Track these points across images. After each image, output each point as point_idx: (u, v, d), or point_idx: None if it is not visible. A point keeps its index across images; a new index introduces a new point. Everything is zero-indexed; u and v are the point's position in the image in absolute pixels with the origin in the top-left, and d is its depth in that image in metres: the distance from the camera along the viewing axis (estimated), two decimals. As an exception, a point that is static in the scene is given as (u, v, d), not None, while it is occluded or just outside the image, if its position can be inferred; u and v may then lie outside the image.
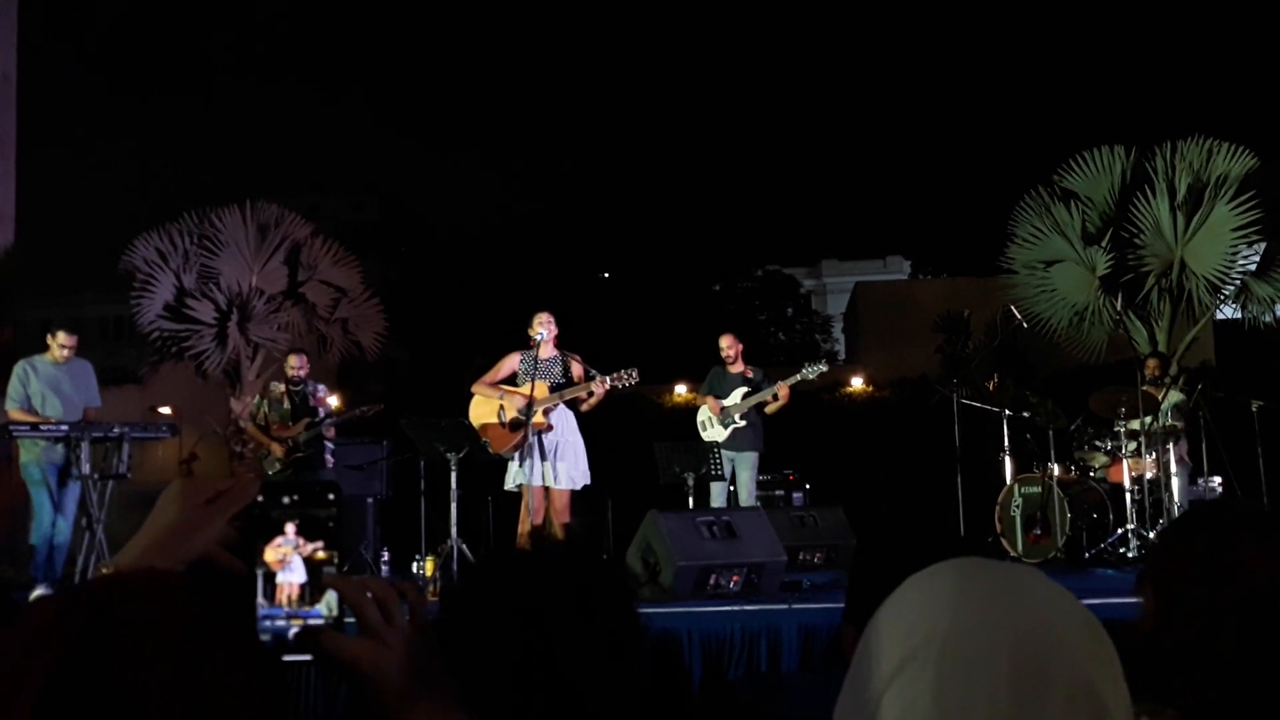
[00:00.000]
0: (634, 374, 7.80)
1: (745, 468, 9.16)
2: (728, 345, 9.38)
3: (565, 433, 7.89)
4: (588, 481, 8.02)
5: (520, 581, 1.77)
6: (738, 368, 9.37)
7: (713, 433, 9.25)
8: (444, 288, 31.95)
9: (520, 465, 7.71)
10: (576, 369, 7.99)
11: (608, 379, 7.73)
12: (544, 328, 7.94)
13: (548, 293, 23.38)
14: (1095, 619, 1.00)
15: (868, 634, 1.01)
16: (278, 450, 8.80)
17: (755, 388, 9.21)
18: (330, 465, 9.31)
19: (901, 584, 1.04)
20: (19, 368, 7.78)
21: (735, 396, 9.25)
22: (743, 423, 9.15)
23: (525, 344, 8.04)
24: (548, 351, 7.99)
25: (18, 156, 16.19)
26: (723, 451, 8.90)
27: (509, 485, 7.97)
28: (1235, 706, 1.50)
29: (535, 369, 7.83)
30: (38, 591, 7.16)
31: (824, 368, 9.31)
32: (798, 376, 9.12)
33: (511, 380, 8.04)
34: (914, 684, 0.93)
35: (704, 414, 9.42)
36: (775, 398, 9.10)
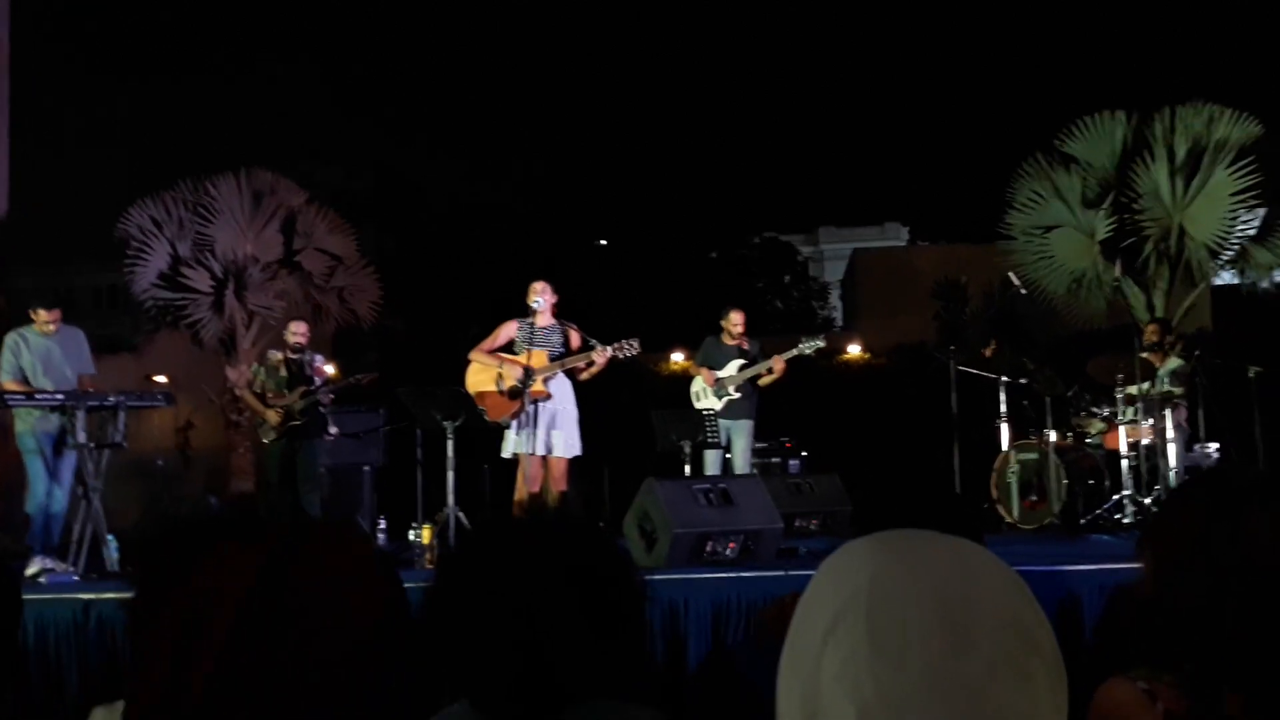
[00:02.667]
0: (635, 344, 7.79)
1: (740, 435, 9.17)
2: (739, 321, 9.35)
3: (563, 401, 7.88)
4: (579, 452, 8.02)
5: (516, 548, 1.77)
6: (735, 341, 9.35)
7: (706, 403, 9.26)
8: (440, 256, 31.85)
9: (518, 434, 7.70)
10: (574, 338, 7.98)
11: (608, 348, 7.72)
12: (540, 296, 7.92)
13: (544, 260, 23.35)
14: (1007, 566, 1.01)
15: (798, 609, 1.02)
16: (273, 418, 8.79)
17: (751, 360, 9.20)
18: (333, 433, 9.31)
19: (818, 568, 1.05)
20: (10, 339, 7.75)
21: (731, 368, 9.25)
22: (737, 395, 9.15)
23: (523, 312, 8.02)
24: (545, 320, 7.97)
25: (10, 124, 16.10)
26: (718, 420, 8.91)
27: (506, 453, 7.97)
28: (1234, 672, 1.49)
29: (533, 337, 7.81)
30: (35, 560, 7.16)
31: (821, 343, 9.30)
32: (794, 351, 9.11)
33: (509, 348, 8.03)
34: (849, 636, 0.94)
35: (698, 384, 9.42)
36: (770, 371, 9.10)
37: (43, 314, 7.77)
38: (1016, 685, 0.92)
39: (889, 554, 0.99)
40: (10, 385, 7.55)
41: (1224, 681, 1.50)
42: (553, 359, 7.84)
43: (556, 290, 8.09)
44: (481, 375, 8.00)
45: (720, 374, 9.26)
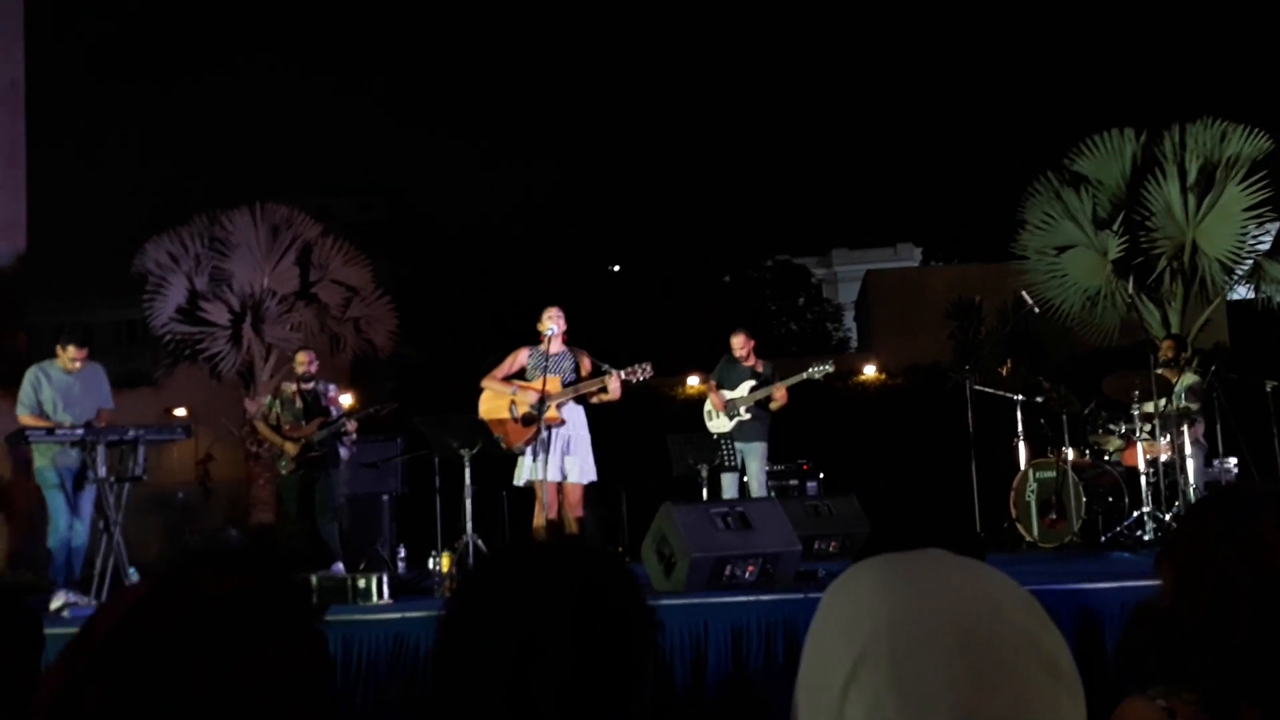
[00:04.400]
0: (648, 368, 7.80)
1: (754, 458, 9.17)
2: (740, 345, 9.37)
3: (576, 427, 7.89)
4: (595, 478, 8.02)
5: (531, 574, 1.78)
6: (748, 362, 9.37)
7: (717, 423, 9.27)
8: (454, 284, 31.97)
9: (534, 460, 7.72)
10: (585, 364, 7.99)
11: (621, 373, 7.73)
12: (553, 323, 7.94)
13: (558, 286, 23.40)
14: (1019, 585, 1.00)
15: (807, 650, 1.01)
16: (291, 449, 8.82)
17: (763, 382, 9.21)
18: (345, 461, 9.33)
19: (822, 600, 1.03)
20: (31, 373, 7.80)
21: (742, 389, 9.26)
22: (747, 415, 9.15)
23: (535, 339, 8.04)
24: (557, 347, 7.99)
25: (27, 162, 16.25)
26: (734, 443, 8.92)
27: (519, 481, 7.98)
28: (1251, 686, 1.49)
29: (546, 364, 7.84)
30: (58, 594, 7.19)
31: (830, 368, 9.29)
32: (803, 375, 9.11)
33: (520, 375, 8.05)
34: (873, 683, 0.92)
35: (709, 405, 9.44)
36: (772, 399, 9.12)
37: (72, 350, 7.83)
38: (1044, 716, 0.92)
39: (903, 587, 0.97)
40: (30, 420, 7.60)
41: (1241, 695, 1.50)
42: (565, 384, 7.85)
43: (570, 317, 8.11)
44: (495, 403, 8.02)
45: (730, 395, 9.27)
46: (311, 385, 9.07)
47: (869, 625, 0.95)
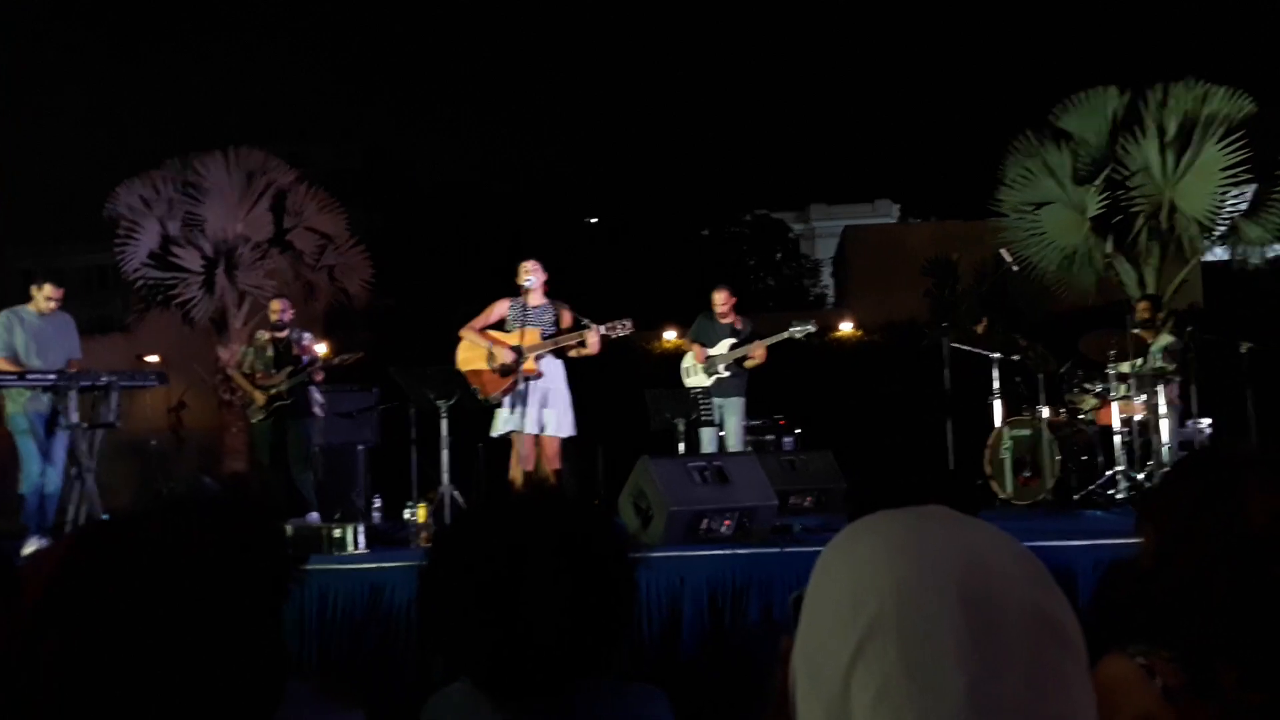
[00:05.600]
0: (628, 324, 7.78)
1: (732, 413, 9.19)
2: (722, 301, 9.36)
3: (554, 380, 7.88)
4: (574, 432, 8.02)
5: (510, 525, 1.76)
6: (728, 319, 9.36)
7: (695, 379, 9.28)
8: (430, 234, 31.78)
9: (511, 411, 7.70)
10: (566, 317, 7.97)
11: (601, 328, 7.71)
12: (531, 275, 7.90)
13: (534, 238, 23.27)
14: (1023, 546, 0.98)
15: (807, 619, 0.98)
16: (260, 398, 8.79)
17: (743, 340, 9.21)
18: (320, 414, 9.30)
19: (816, 565, 1.00)
20: (3, 317, 7.72)
21: (722, 347, 9.26)
22: (726, 373, 9.17)
23: (513, 291, 8.00)
24: (536, 299, 7.96)
25: (-2, 105, 15.98)
26: (711, 398, 8.93)
27: (495, 432, 7.97)
28: (1229, 645, 1.49)
29: (525, 316, 7.80)
30: (30, 541, 7.16)
31: (812, 328, 9.28)
32: (784, 334, 9.11)
33: (500, 326, 8.01)
34: (881, 663, 0.90)
35: (688, 360, 9.44)
36: (752, 357, 9.13)
37: (48, 289, 7.76)
38: (1055, 692, 0.90)
39: (907, 556, 0.95)
40: (2, 364, 7.53)
41: (1219, 655, 1.50)
42: (544, 338, 7.83)
43: (547, 269, 8.07)
44: (472, 353, 7.99)
45: (711, 352, 9.27)
46: (285, 334, 9.02)
47: (874, 602, 0.92)
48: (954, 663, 0.89)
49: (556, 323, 7.94)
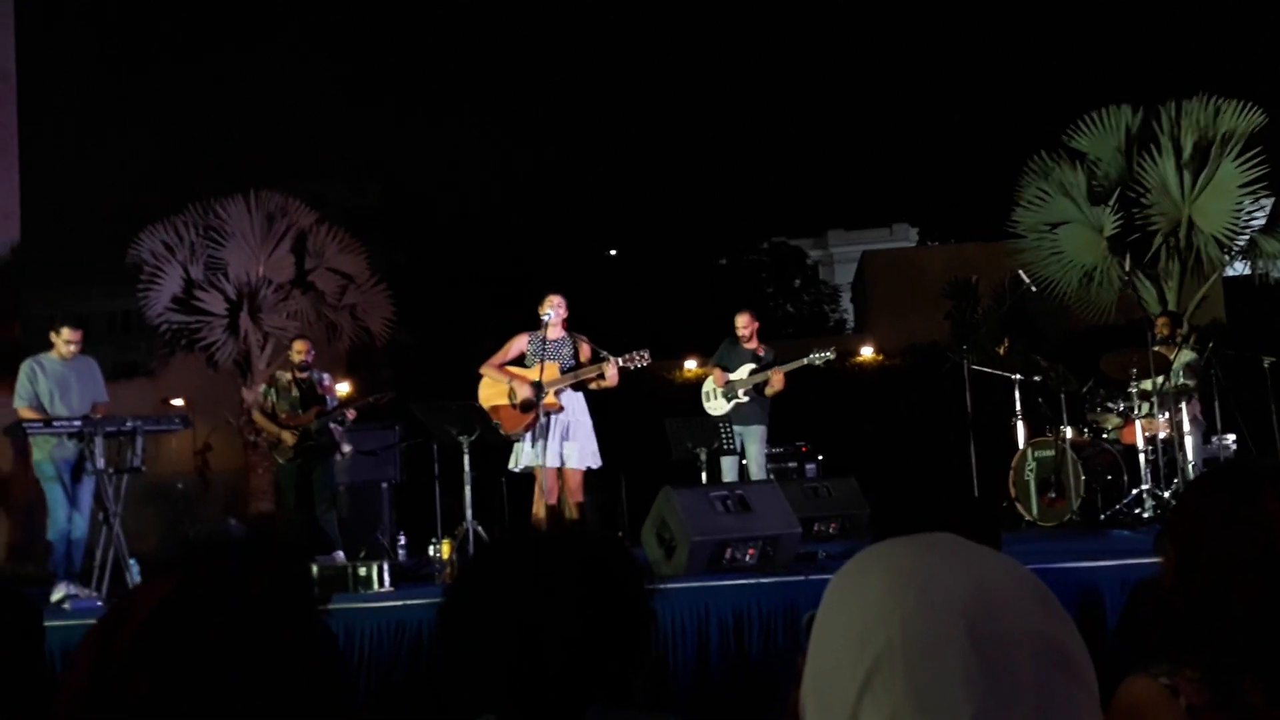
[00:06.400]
0: (645, 355, 7.79)
1: (753, 441, 9.18)
2: (744, 324, 9.38)
3: (575, 413, 7.89)
4: (599, 464, 8.02)
5: (531, 561, 1.78)
6: (751, 344, 9.37)
7: (715, 404, 9.28)
8: (450, 270, 31.90)
9: (532, 446, 7.71)
10: (584, 350, 7.98)
11: (619, 359, 7.72)
12: (553, 309, 7.92)
13: (554, 271, 23.36)
14: (1031, 573, 0.98)
15: (815, 649, 0.98)
16: (289, 439, 8.81)
17: (764, 366, 9.22)
18: (346, 452, 9.33)
19: (825, 593, 1.01)
20: (26, 366, 7.77)
21: (742, 372, 9.27)
22: (746, 398, 9.16)
23: (534, 325, 8.03)
24: (555, 333, 7.98)
25: (20, 153, 16.20)
26: (732, 426, 8.92)
27: (516, 467, 7.97)
28: (1253, 662, 1.49)
29: (544, 350, 7.82)
30: (59, 587, 7.20)
31: (830, 355, 9.29)
32: (804, 361, 9.12)
33: (519, 361, 8.04)
34: (889, 695, 0.90)
35: (709, 385, 9.46)
36: (769, 383, 9.14)
37: (66, 332, 7.81)
38: None
39: (913, 586, 0.94)
40: (27, 413, 7.58)
41: (1244, 671, 1.50)
42: (563, 371, 7.84)
43: (567, 301, 8.10)
44: (492, 389, 8.02)
45: (731, 376, 9.28)
46: (307, 374, 9.06)
47: (882, 634, 0.92)
48: (962, 693, 0.89)
49: (575, 356, 7.96)
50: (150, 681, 0.94)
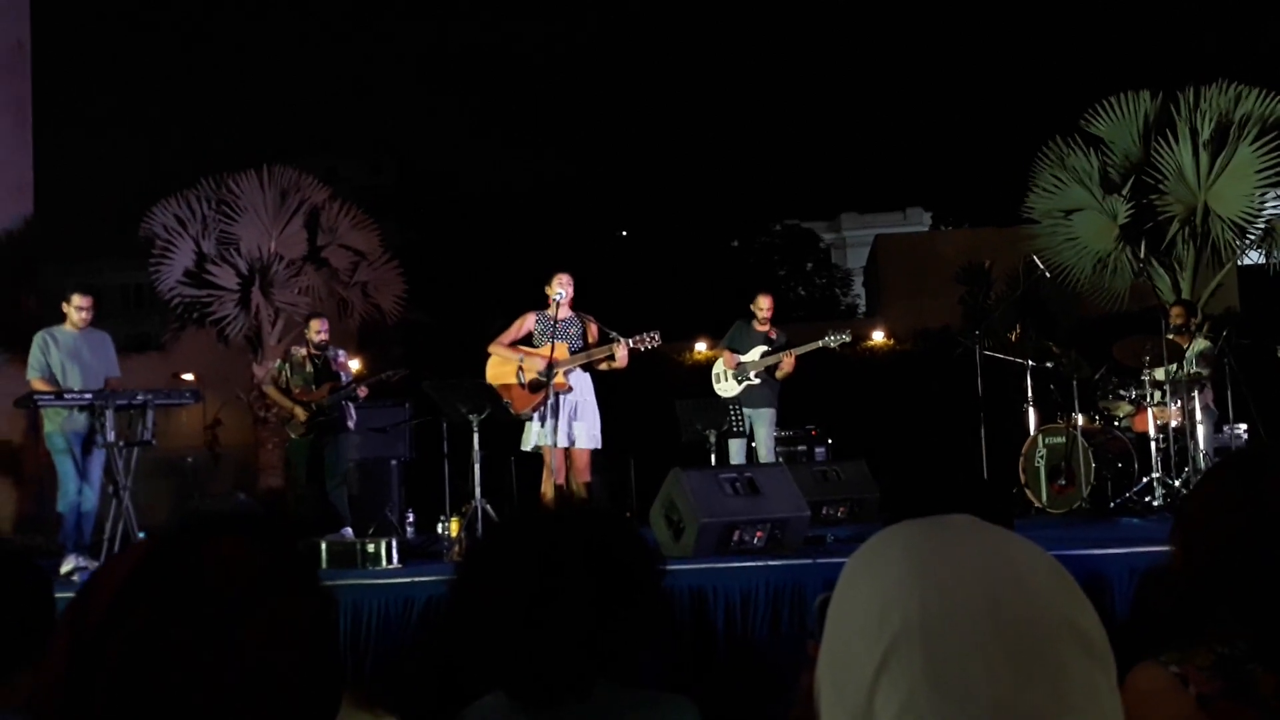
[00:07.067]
0: (656, 336, 7.78)
1: (762, 424, 9.18)
2: (767, 306, 9.38)
3: (583, 393, 7.89)
4: (600, 444, 8.02)
5: (541, 540, 1.78)
6: (764, 327, 9.36)
7: (725, 386, 9.28)
8: (462, 249, 31.91)
9: (542, 426, 7.71)
10: (593, 330, 7.98)
11: (629, 341, 7.71)
12: (563, 288, 7.91)
13: (566, 251, 23.35)
14: (1050, 556, 0.97)
15: (831, 629, 0.98)
16: (301, 414, 8.82)
17: (776, 349, 9.21)
18: (353, 429, 9.34)
19: (842, 575, 1.00)
20: (39, 338, 7.79)
21: (754, 354, 9.25)
22: (756, 380, 9.15)
23: (542, 304, 8.02)
24: (564, 312, 7.97)
25: (34, 126, 16.20)
26: (742, 409, 8.91)
27: (527, 446, 7.98)
28: (1264, 651, 1.48)
29: (554, 330, 7.81)
30: (68, 559, 7.23)
31: (846, 338, 9.28)
32: (819, 343, 9.11)
33: (527, 340, 8.03)
34: (906, 675, 0.89)
35: (719, 366, 9.45)
36: (780, 365, 9.13)
37: (76, 298, 7.83)
38: (1084, 704, 0.89)
39: (933, 567, 0.94)
40: (39, 384, 7.61)
41: (1254, 660, 1.49)
42: (573, 351, 7.84)
43: (578, 282, 8.09)
44: (502, 368, 8.01)
45: (742, 358, 9.27)
46: (323, 351, 9.07)
47: (900, 613, 0.91)
48: (980, 675, 0.88)
49: (584, 336, 7.95)
50: (125, 652, 0.93)
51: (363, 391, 9.03)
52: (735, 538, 5.98)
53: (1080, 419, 8.75)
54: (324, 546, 6.57)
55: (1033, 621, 0.90)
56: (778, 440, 9.63)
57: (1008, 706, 0.87)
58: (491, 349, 8.12)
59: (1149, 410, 8.62)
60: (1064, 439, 8.77)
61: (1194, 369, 8.79)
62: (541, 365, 7.68)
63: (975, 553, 0.95)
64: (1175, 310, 9.60)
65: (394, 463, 10.92)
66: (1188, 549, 1.60)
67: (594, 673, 1.72)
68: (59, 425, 7.53)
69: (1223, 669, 1.51)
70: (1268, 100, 12.57)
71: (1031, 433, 9.16)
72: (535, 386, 7.77)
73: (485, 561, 1.87)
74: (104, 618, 0.95)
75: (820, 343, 9.10)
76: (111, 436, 7.25)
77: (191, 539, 1.01)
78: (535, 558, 1.75)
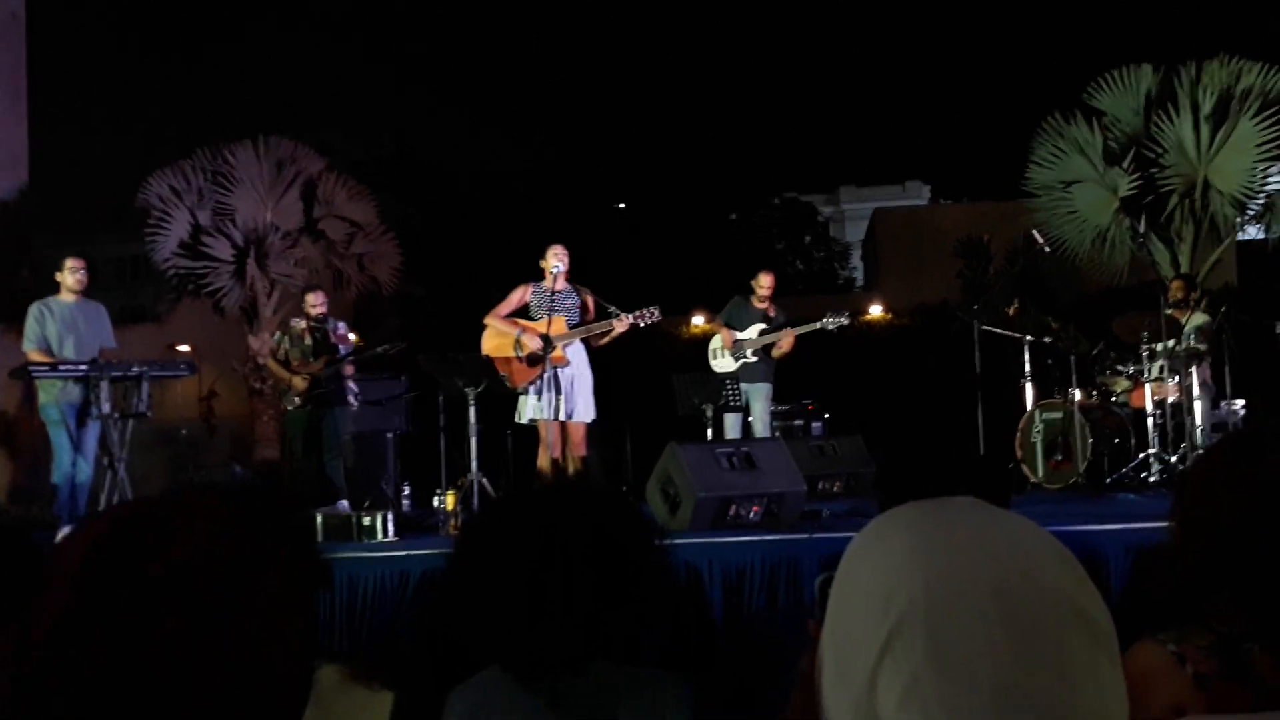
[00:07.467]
0: (655, 312, 7.77)
1: (758, 399, 9.17)
2: (768, 284, 9.37)
3: (579, 367, 7.88)
4: (594, 417, 8.02)
5: (538, 515, 1.78)
6: (763, 305, 9.34)
7: (722, 362, 9.27)
8: (459, 222, 31.82)
9: (538, 399, 7.70)
10: (589, 303, 7.96)
11: (630, 316, 7.69)
12: (558, 260, 7.88)
13: (562, 224, 23.26)
14: (1053, 537, 0.96)
15: (834, 610, 0.97)
16: (299, 385, 8.80)
17: (775, 327, 9.20)
18: (354, 403, 9.33)
19: (845, 556, 0.99)
20: (34, 309, 7.77)
21: (751, 332, 9.24)
22: (754, 358, 9.15)
23: (537, 276, 7.99)
24: (561, 284, 7.94)
25: (29, 97, 16.13)
26: (739, 383, 8.91)
27: (522, 419, 7.98)
28: (1262, 631, 1.47)
29: (551, 303, 7.78)
30: (62, 530, 7.23)
31: (845, 321, 9.26)
32: (817, 325, 9.10)
33: (523, 313, 8.01)
34: (909, 657, 0.88)
35: (716, 342, 9.43)
36: (779, 345, 9.12)
37: (70, 262, 7.82)
38: (1088, 686, 0.88)
39: (938, 549, 0.93)
40: (36, 355, 7.59)
41: (1252, 639, 1.48)
42: (571, 325, 7.82)
43: (575, 254, 8.06)
44: (498, 341, 7.99)
45: (740, 336, 9.25)
46: (321, 323, 9.05)
47: (904, 595, 0.91)
48: (984, 657, 0.87)
49: (582, 309, 7.93)
50: (83, 633, 0.91)
51: (348, 370, 9.00)
52: (732, 512, 5.99)
53: (1078, 394, 8.74)
54: (320, 519, 6.57)
55: (1037, 604, 0.90)
56: (774, 415, 9.63)
57: (1012, 688, 0.86)
58: (487, 321, 8.09)
59: (1146, 386, 8.62)
60: (1061, 414, 8.77)
61: (1192, 344, 8.78)
62: (539, 339, 7.66)
63: (979, 535, 0.95)
64: (1174, 284, 9.58)
65: (390, 436, 10.91)
66: (1186, 528, 1.60)
67: (593, 650, 1.71)
68: (54, 397, 7.52)
69: (1221, 649, 1.50)
70: (1269, 75, 12.53)
71: (1029, 408, 9.16)
72: (533, 360, 7.75)
73: (484, 537, 1.86)
74: (66, 596, 0.94)
75: (818, 324, 9.10)
76: (107, 408, 7.24)
77: (149, 511, 0.99)
78: (535, 534, 1.74)
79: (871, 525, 1.01)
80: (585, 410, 7.88)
